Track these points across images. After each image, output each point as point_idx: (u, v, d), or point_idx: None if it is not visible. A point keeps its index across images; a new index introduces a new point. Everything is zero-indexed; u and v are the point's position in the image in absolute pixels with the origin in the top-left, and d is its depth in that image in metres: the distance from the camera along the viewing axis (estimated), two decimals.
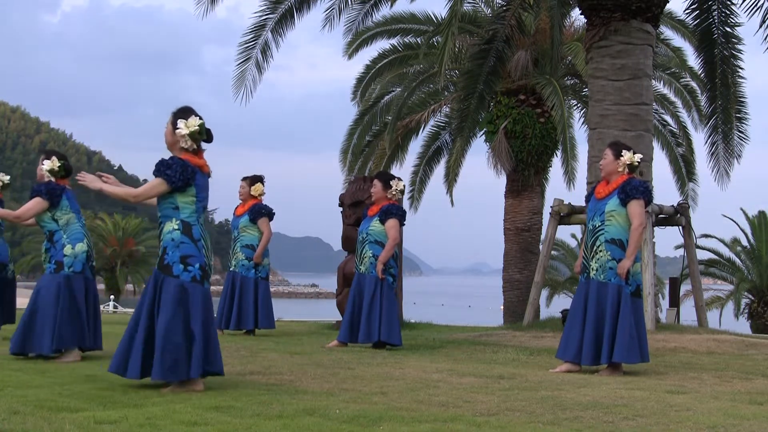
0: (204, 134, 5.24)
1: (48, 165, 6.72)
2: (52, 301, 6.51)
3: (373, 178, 8.67)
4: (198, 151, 5.27)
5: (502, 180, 17.57)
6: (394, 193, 8.36)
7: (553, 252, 22.79)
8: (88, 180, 5.39)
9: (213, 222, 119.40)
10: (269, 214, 9.94)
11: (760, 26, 11.08)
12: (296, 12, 12.87)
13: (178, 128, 5.19)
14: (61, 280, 6.55)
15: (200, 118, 5.21)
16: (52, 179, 6.72)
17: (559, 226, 10.87)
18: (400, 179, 8.47)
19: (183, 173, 5.11)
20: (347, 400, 4.70)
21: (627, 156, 6.49)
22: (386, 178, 8.44)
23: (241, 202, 10.04)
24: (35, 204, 6.65)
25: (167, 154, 5.28)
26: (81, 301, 6.62)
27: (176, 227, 5.13)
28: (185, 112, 5.25)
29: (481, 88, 12.82)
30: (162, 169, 5.12)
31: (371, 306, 8.10)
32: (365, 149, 19.20)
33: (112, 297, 29.24)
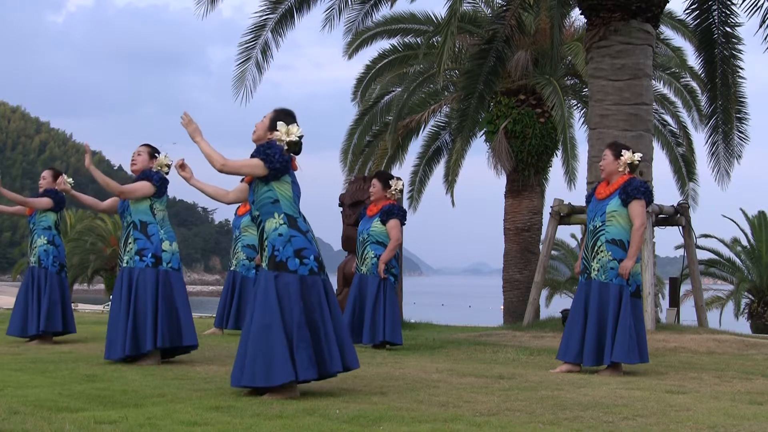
0: (299, 147, 5.03)
1: (162, 159, 6.70)
2: (152, 297, 6.42)
3: (372, 178, 8.66)
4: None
5: (502, 180, 17.59)
6: (393, 192, 8.35)
7: (553, 252, 22.77)
8: (192, 127, 5.04)
9: (213, 222, 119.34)
10: None
11: (760, 26, 11.10)
12: (296, 12, 12.88)
13: (277, 130, 4.97)
14: (161, 276, 6.49)
15: (299, 128, 5.00)
16: (162, 171, 6.69)
17: (559, 226, 10.88)
18: (399, 179, 8.45)
19: (281, 156, 4.88)
20: (347, 400, 4.70)
21: (627, 155, 6.49)
22: (385, 178, 8.43)
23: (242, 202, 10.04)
24: (143, 186, 6.56)
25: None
26: (180, 298, 6.54)
27: (282, 222, 4.91)
28: (288, 116, 5.04)
29: (481, 88, 12.83)
30: (261, 149, 4.88)
31: (375, 307, 8.07)
32: (365, 149, 19.21)
33: (111, 297, 29.09)
